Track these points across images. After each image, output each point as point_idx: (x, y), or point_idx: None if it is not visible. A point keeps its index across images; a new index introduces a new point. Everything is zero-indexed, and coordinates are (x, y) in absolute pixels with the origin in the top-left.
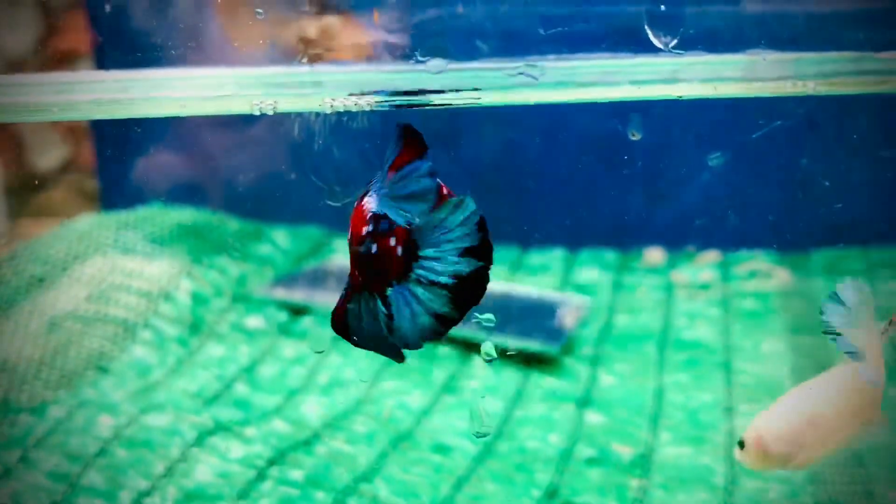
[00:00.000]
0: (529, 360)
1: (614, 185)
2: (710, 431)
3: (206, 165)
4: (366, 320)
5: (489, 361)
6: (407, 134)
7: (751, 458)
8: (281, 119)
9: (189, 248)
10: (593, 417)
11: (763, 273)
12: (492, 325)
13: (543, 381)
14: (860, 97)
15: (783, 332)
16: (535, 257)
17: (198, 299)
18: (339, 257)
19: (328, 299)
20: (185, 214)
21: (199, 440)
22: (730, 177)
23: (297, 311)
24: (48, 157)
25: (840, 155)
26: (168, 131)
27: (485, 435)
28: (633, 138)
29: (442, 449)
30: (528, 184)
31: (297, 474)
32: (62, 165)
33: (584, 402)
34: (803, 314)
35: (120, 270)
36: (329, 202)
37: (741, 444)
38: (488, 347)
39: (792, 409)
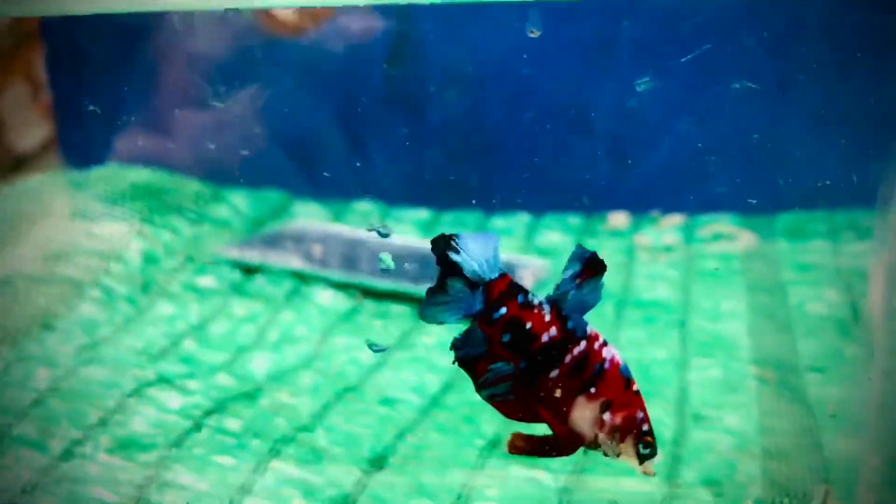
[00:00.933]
0: None
1: (581, 150)
2: (662, 385)
3: (167, 128)
4: None
5: (385, 270)
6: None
7: None
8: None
9: (142, 208)
10: None
11: (727, 235)
12: (389, 265)
13: None
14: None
15: (743, 292)
16: (499, 221)
17: (149, 259)
18: (299, 221)
19: (283, 260)
20: (141, 175)
21: (137, 392)
22: (696, 141)
23: (250, 270)
24: (28, 137)
25: (806, 117)
26: (128, 90)
27: (383, 349)
28: (532, 35)
29: (389, 402)
30: (493, 148)
31: (234, 424)
32: (42, 145)
33: None
34: (764, 275)
35: (70, 230)
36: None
37: None
38: (386, 258)
39: None
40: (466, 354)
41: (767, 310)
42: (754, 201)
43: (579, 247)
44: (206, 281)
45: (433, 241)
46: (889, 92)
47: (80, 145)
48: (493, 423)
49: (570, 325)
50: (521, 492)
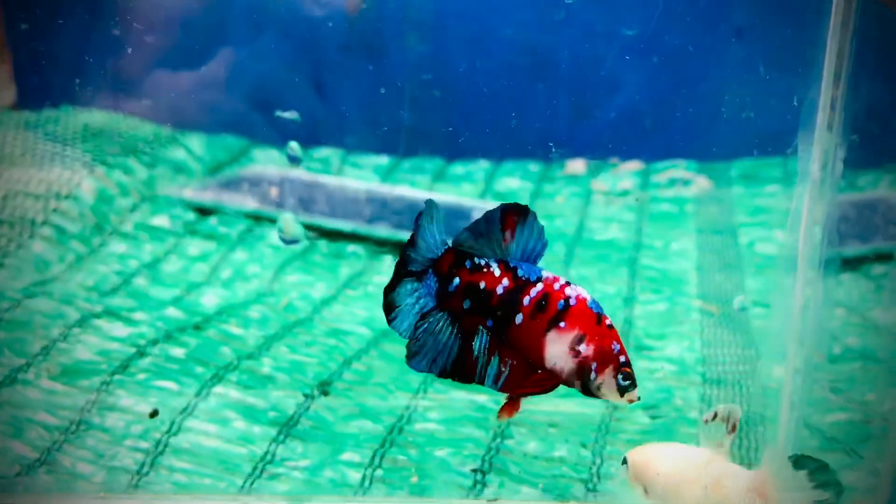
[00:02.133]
0: None
1: (541, 98)
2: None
3: (127, 71)
4: None
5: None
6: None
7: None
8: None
9: (96, 149)
10: None
11: (683, 181)
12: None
13: None
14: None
15: (693, 233)
16: (459, 168)
17: (102, 198)
18: (257, 166)
19: (238, 202)
20: (95, 117)
21: (83, 322)
22: (655, 88)
23: (205, 211)
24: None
25: (761, 64)
26: (85, 33)
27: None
28: None
29: (338, 334)
30: (454, 95)
31: (179, 352)
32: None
33: None
34: (715, 217)
35: (20, 170)
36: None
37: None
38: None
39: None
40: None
41: (717, 249)
42: (712, 149)
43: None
44: (160, 221)
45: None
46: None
47: (35, 87)
48: None
49: (520, 273)
50: (462, 414)
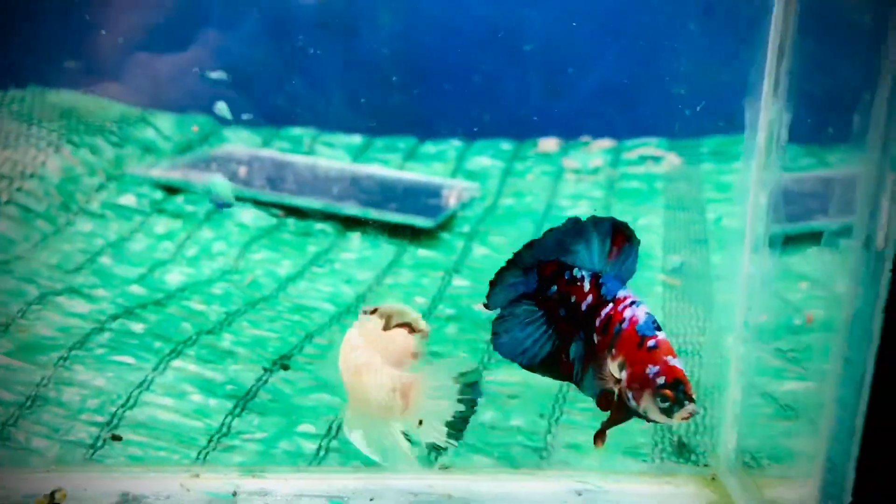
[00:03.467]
0: (408, 236)
1: (515, 76)
2: None
3: (95, 51)
4: None
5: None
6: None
7: None
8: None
9: (62, 128)
10: (460, 283)
11: (653, 158)
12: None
13: (418, 253)
14: None
15: (661, 209)
16: (431, 147)
17: (68, 177)
18: (227, 146)
19: (206, 180)
20: (62, 97)
21: (43, 299)
22: (626, 67)
23: (173, 190)
24: None
25: (734, 43)
26: (55, 15)
27: (228, 205)
28: None
29: (300, 310)
30: (427, 75)
31: (138, 327)
32: None
33: (454, 270)
34: (683, 193)
35: None
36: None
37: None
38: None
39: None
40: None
41: (683, 224)
42: (682, 125)
43: (610, 220)
44: (128, 200)
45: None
46: None
47: (1, 67)
48: None
49: (603, 290)
50: None
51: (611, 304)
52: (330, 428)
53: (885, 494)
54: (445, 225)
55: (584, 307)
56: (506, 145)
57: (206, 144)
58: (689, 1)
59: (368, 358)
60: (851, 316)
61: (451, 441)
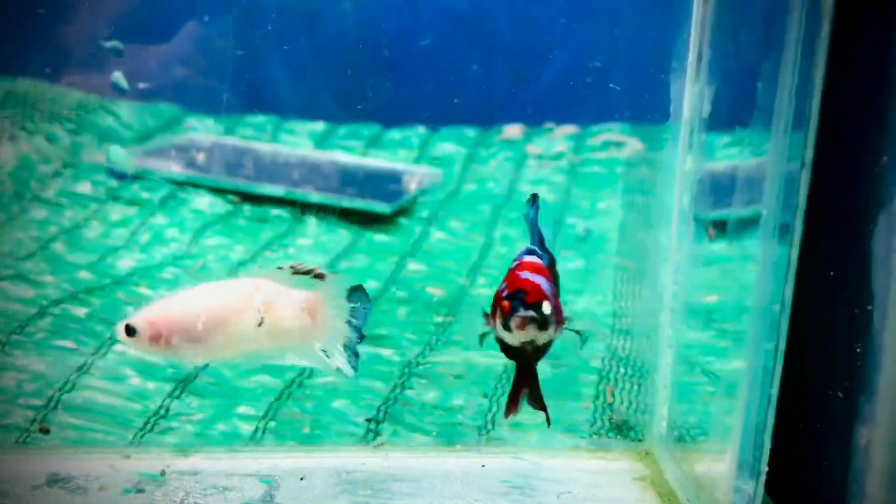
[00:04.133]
0: (365, 220)
1: (479, 63)
2: None
3: (54, 38)
4: None
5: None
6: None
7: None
8: None
9: (16, 115)
10: (414, 266)
11: (616, 143)
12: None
13: (374, 238)
14: None
15: (620, 193)
16: (395, 134)
17: (23, 165)
18: (190, 134)
19: (163, 167)
20: (18, 85)
21: None
22: (590, 51)
23: (130, 177)
24: None
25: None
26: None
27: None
28: None
29: None
30: (390, 61)
31: (81, 312)
32: None
33: (409, 254)
34: (643, 178)
35: None
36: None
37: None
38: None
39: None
40: None
41: (640, 208)
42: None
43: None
44: (83, 187)
45: None
46: None
47: None
48: None
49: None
50: (367, 368)
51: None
52: (268, 409)
53: (798, 465)
54: (405, 210)
55: None
56: (470, 132)
57: (168, 132)
58: None
59: (276, 289)
60: (763, 298)
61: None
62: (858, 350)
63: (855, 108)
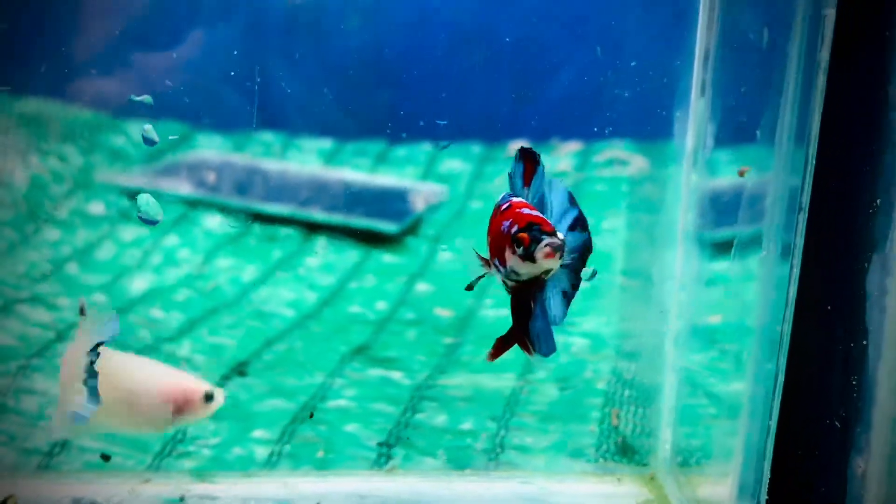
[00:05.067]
0: (373, 240)
1: (485, 80)
2: None
3: (65, 59)
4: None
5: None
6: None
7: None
8: None
9: (30, 136)
10: (423, 287)
11: (620, 160)
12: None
13: (383, 258)
14: None
15: (624, 211)
16: (402, 150)
17: (36, 185)
18: (199, 151)
19: (174, 187)
20: (30, 105)
21: (4, 308)
22: (595, 68)
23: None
24: None
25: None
26: (24, 19)
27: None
28: None
29: (261, 316)
30: (397, 78)
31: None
32: None
33: (417, 274)
34: (647, 196)
35: None
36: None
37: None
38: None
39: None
40: None
41: (645, 226)
42: (649, 126)
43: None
44: (96, 208)
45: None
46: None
47: None
48: (364, 333)
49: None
50: (377, 391)
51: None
52: (283, 433)
53: (796, 493)
54: (412, 229)
55: None
56: (476, 148)
57: (178, 150)
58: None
59: None
60: (764, 320)
61: None
62: (854, 382)
63: (850, 151)
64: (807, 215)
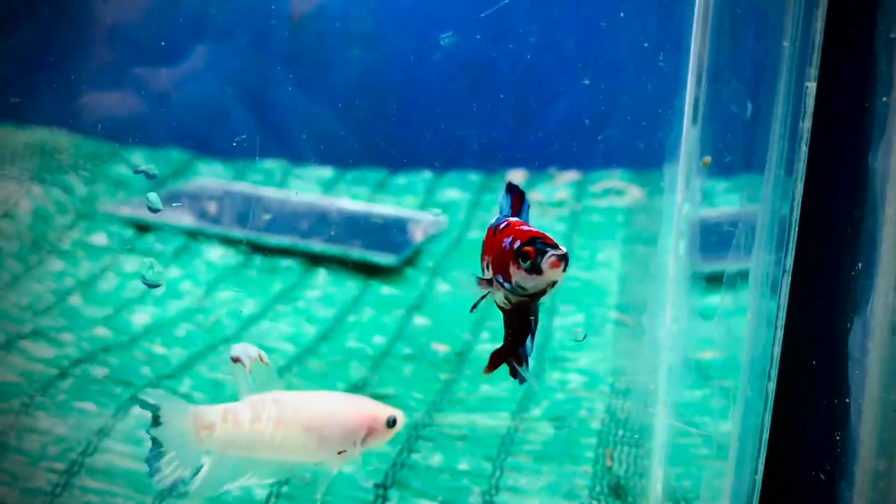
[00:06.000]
0: (372, 272)
1: (483, 109)
2: None
3: (68, 88)
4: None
5: (154, 211)
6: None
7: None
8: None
9: (34, 167)
10: (420, 321)
11: (617, 190)
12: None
13: (381, 290)
14: None
15: (620, 243)
16: (402, 179)
17: (40, 216)
18: (199, 180)
19: (176, 218)
20: (35, 135)
21: (8, 344)
22: (591, 98)
23: (143, 227)
24: None
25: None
26: (26, 51)
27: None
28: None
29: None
30: (397, 107)
31: (100, 372)
32: None
33: (415, 307)
34: (643, 227)
35: None
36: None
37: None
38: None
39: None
40: None
41: (640, 258)
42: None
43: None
44: (99, 238)
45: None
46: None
47: None
48: (361, 369)
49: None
50: None
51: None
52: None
53: None
54: (411, 260)
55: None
56: (473, 176)
57: (180, 178)
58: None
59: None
60: (750, 355)
61: None
62: (838, 438)
63: (833, 216)
64: (790, 278)
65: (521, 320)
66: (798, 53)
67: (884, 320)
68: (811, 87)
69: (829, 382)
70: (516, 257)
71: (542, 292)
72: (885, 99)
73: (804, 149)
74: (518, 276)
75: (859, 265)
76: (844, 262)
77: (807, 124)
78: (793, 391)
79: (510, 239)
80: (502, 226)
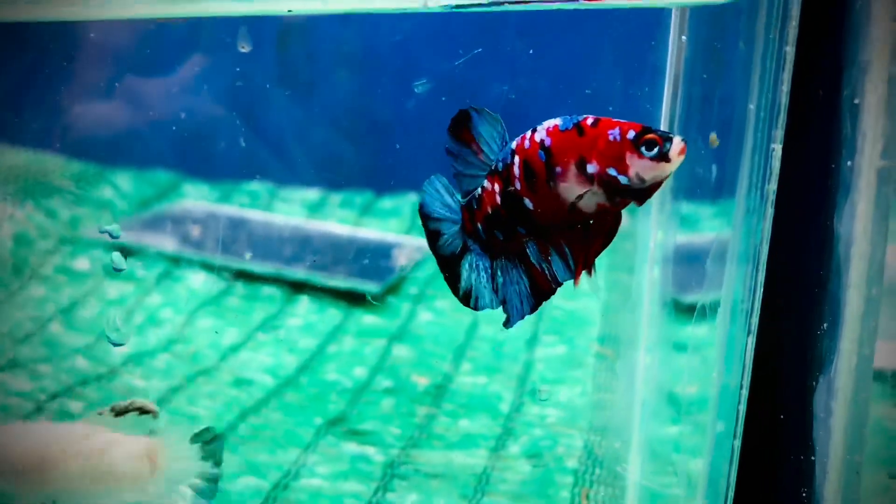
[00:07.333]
0: (354, 300)
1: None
2: (509, 362)
3: (54, 109)
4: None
5: (118, 271)
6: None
7: None
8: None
9: (16, 191)
10: (401, 351)
11: None
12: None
13: (363, 319)
14: None
15: (603, 271)
16: (388, 202)
17: (21, 242)
18: (185, 202)
19: (159, 243)
20: (18, 158)
21: None
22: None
23: (126, 251)
24: None
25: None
26: (11, 74)
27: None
28: (243, 50)
29: (241, 383)
30: (383, 129)
31: (77, 406)
32: None
33: (396, 337)
34: (625, 254)
35: None
36: None
37: None
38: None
39: None
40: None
41: (622, 287)
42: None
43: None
44: (81, 264)
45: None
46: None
47: None
48: (340, 403)
49: (499, 167)
50: (350, 467)
51: (514, 157)
52: None
53: None
54: (394, 287)
55: (499, 200)
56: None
57: (165, 201)
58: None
59: (109, 437)
60: (720, 386)
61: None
62: (804, 494)
63: (800, 277)
64: (756, 337)
65: (613, 224)
66: (764, 116)
67: (847, 383)
68: (777, 149)
69: (795, 440)
70: (636, 146)
71: (657, 186)
72: (849, 163)
73: (770, 210)
74: (639, 166)
75: (825, 325)
76: (811, 320)
77: (772, 186)
78: (762, 447)
79: (617, 130)
80: (589, 122)
